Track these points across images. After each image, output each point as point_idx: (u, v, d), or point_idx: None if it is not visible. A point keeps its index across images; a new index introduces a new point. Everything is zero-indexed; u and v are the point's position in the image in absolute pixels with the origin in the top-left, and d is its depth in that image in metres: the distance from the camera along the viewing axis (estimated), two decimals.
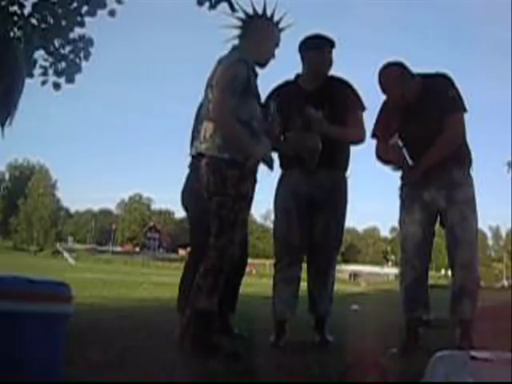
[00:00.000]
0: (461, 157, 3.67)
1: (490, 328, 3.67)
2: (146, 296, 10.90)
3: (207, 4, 6.82)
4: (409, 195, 3.74)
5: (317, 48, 3.84)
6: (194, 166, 3.86)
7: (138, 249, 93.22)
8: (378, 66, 3.66)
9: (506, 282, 58.99)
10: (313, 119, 3.72)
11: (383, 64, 3.65)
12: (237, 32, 3.39)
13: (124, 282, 17.61)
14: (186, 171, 4.16)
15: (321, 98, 3.83)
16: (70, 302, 2.25)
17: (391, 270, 74.48)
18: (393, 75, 3.62)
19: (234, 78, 3.13)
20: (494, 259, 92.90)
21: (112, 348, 3.31)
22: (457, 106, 3.62)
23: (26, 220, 76.34)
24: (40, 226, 75.89)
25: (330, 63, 3.92)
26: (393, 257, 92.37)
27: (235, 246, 3.16)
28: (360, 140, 3.94)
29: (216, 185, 3.15)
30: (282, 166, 3.95)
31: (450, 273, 3.81)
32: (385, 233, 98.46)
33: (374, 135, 3.87)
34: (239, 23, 3.39)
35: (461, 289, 3.57)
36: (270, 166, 3.39)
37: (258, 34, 3.35)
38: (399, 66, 3.64)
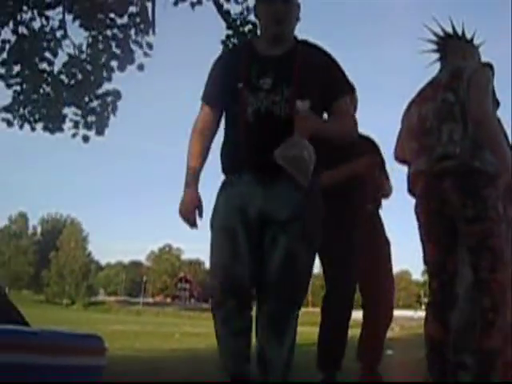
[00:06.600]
0: None
1: None
2: (179, 347, 10.82)
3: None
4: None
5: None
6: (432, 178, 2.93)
7: (169, 300, 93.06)
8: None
9: None
10: (298, 116, 2.40)
11: None
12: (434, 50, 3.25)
13: (156, 333, 17.53)
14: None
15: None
16: (103, 354, 2.23)
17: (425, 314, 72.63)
18: None
19: (488, 83, 2.93)
20: None
21: None
22: None
23: (58, 273, 76.77)
24: (71, 279, 76.23)
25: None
26: (426, 300, 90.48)
27: None
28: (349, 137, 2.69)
29: (474, 204, 2.80)
30: (224, 169, 2.67)
31: None
32: (417, 276, 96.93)
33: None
34: (435, 46, 3.25)
35: None
36: None
37: (458, 55, 3.19)
38: None
